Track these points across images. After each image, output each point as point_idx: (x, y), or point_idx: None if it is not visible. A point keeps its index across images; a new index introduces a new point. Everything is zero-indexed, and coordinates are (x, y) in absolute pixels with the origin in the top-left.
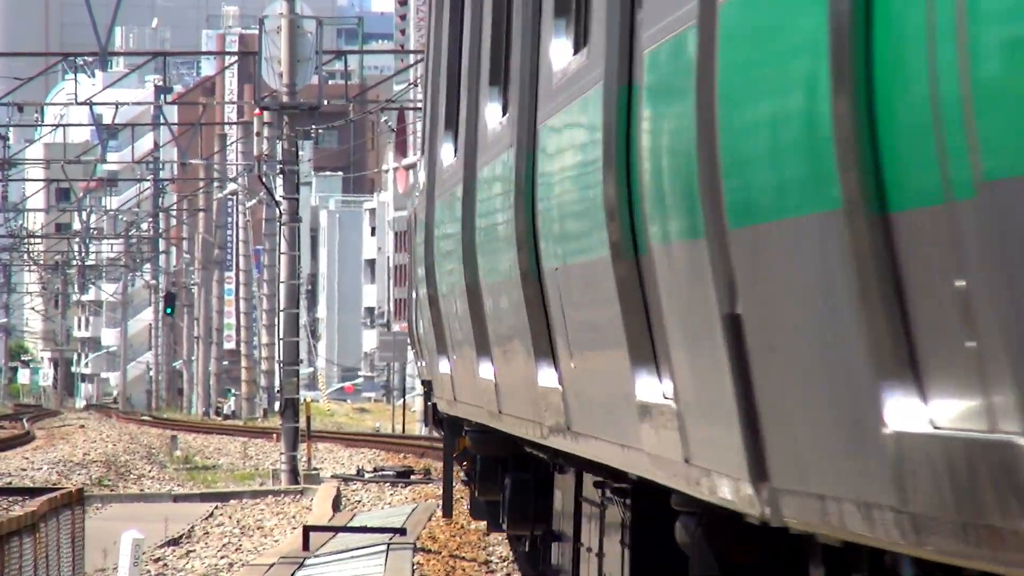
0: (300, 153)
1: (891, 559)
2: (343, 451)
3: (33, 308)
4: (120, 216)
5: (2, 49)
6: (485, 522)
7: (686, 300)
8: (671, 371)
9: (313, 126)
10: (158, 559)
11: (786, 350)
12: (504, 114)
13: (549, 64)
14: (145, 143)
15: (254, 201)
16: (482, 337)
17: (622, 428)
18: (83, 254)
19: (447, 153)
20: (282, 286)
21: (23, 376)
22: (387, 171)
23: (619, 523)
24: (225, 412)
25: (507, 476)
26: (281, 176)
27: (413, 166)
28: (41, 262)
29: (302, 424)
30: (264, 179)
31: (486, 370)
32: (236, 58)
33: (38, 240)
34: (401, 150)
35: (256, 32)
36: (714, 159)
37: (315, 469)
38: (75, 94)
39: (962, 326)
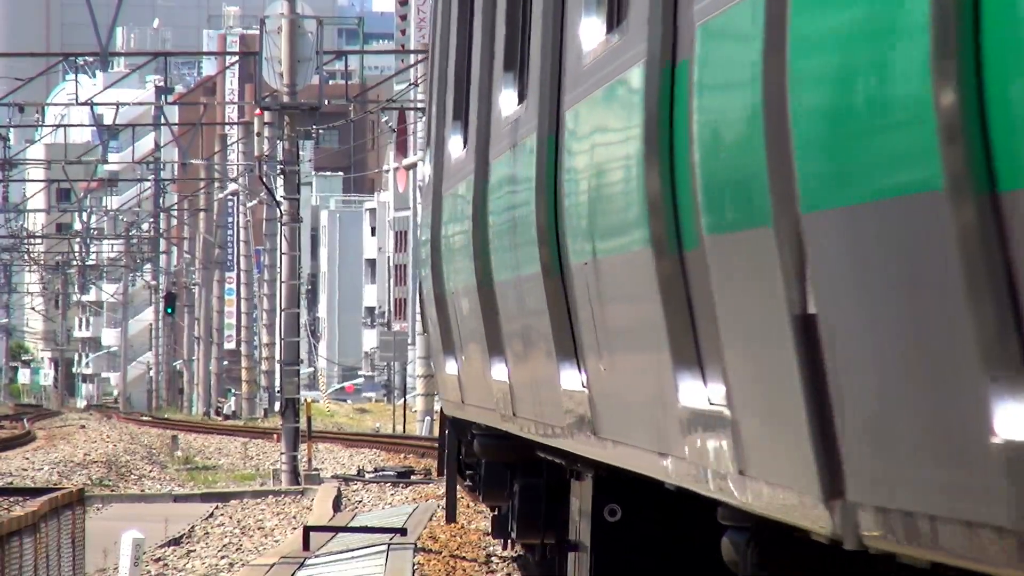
0: (301, 153)
1: None
2: (343, 451)
3: (34, 308)
4: (120, 216)
5: (2, 49)
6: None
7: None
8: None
9: (314, 126)
10: (158, 559)
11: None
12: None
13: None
14: (146, 143)
15: (255, 201)
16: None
17: (661, 435)
18: (84, 254)
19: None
20: (283, 286)
21: (24, 376)
22: (387, 171)
23: (647, 535)
24: (225, 412)
25: (516, 482)
26: (282, 176)
27: (413, 166)
28: (42, 262)
29: (302, 424)
30: (265, 179)
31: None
32: (237, 58)
33: (39, 240)
34: (401, 150)
35: (257, 32)
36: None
37: (315, 469)
38: (76, 94)
39: None
